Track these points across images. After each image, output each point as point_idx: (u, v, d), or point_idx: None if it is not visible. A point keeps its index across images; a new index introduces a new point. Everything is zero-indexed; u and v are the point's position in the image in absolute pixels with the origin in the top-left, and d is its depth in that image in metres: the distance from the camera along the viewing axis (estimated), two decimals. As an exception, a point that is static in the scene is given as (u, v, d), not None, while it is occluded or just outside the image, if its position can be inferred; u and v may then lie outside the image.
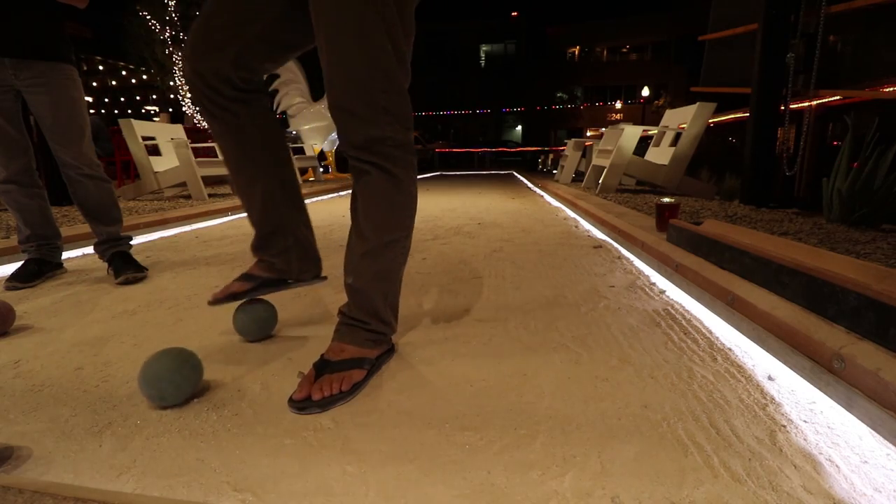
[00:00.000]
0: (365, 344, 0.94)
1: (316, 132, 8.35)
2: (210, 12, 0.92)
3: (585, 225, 3.10)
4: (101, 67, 19.37)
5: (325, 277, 1.20)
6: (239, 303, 1.11)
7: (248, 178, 1.05)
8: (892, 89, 3.46)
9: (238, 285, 1.10)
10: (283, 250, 1.10)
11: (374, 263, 0.94)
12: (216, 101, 0.95)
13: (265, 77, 1.04)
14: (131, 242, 1.85)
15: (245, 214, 1.10)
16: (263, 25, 0.93)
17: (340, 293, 1.54)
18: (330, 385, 0.85)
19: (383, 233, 0.93)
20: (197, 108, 0.97)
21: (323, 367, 0.89)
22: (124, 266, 1.72)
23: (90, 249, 2.32)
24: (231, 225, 3.25)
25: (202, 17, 0.93)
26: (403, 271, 1.00)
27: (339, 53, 0.83)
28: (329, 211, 4.01)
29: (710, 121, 4.85)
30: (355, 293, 0.96)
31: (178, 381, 0.82)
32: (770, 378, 0.92)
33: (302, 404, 0.82)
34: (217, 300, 1.08)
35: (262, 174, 1.05)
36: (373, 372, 0.94)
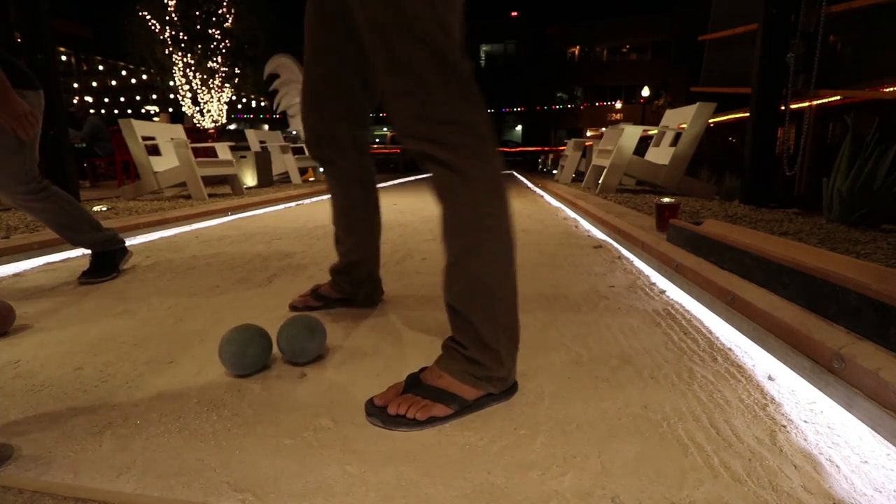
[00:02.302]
0: (462, 376, 0.80)
1: (316, 132, 8.33)
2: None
3: (585, 225, 3.10)
4: (101, 67, 19.33)
5: (382, 299, 1.43)
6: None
7: (352, 221, 1.31)
8: (892, 89, 3.47)
9: (314, 301, 1.36)
10: (357, 281, 1.35)
11: (461, 275, 0.80)
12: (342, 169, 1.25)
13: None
14: (125, 245, 1.84)
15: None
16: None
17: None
18: (408, 406, 0.77)
19: (458, 238, 0.80)
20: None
21: (413, 384, 0.82)
22: (90, 268, 1.72)
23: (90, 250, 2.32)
24: (231, 225, 3.25)
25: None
26: (512, 287, 0.82)
27: (380, 33, 0.76)
28: (328, 211, 4.01)
29: (710, 121, 4.85)
30: (450, 312, 0.83)
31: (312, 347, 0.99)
32: (770, 378, 0.92)
33: (373, 410, 0.79)
34: (295, 307, 1.35)
35: (361, 220, 1.31)
36: (465, 413, 0.80)
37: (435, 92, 0.75)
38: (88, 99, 17.77)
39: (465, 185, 0.78)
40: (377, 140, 19.95)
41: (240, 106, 18.97)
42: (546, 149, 18.63)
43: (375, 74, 0.81)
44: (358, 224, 1.31)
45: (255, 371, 0.97)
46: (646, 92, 18.73)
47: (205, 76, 14.61)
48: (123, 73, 19.51)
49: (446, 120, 0.76)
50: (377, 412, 0.78)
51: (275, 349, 1.01)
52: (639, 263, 1.92)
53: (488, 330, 0.79)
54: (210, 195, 4.58)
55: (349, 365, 1.01)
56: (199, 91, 14.71)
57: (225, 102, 15.27)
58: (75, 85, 17.47)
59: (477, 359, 0.80)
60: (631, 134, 4.31)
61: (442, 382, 0.80)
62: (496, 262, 0.80)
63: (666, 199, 2.15)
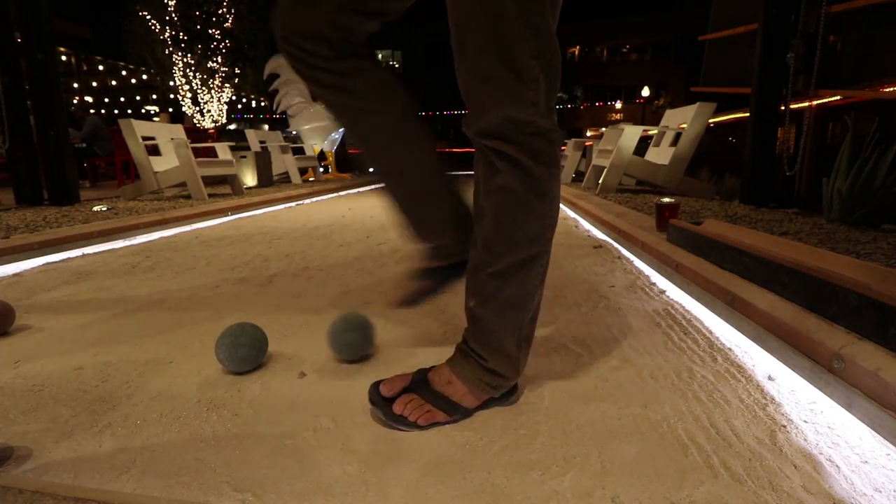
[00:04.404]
0: (478, 386, 0.77)
1: (316, 132, 8.34)
2: None
3: (585, 225, 3.10)
4: (101, 67, 19.33)
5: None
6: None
7: (381, 148, 0.91)
8: (892, 89, 3.47)
9: (426, 283, 1.00)
10: (446, 227, 0.93)
11: (504, 287, 0.75)
12: (314, 64, 0.82)
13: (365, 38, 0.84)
14: None
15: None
16: None
17: (344, 290, 1.54)
18: (413, 409, 0.75)
19: (519, 249, 0.74)
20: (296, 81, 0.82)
21: (421, 383, 0.79)
22: None
23: (90, 249, 2.32)
24: (231, 225, 3.25)
25: None
26: (541, 297, 0.79)
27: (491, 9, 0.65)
28: (328, 211, 4.01)
29: (710, 121, 4.85)
30: (477, 321, 0.78)
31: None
32: (770, 378, 0.92)
33: (376, 398, 0.77)
34: (406, 302, 1.03)
35: (396, 141, 0.89)
36: (460, 420, 0.78)
37: (526, 88, 0.68)
38: (88, 99, 17.78)
39: (537, 193, 0.73)
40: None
41: (240, 106, 18.98)
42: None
43: (459, 49, 0.70)
44: (392, 149, 0.93)
45: (252, 367, 0.97)
46: (646, 92, 18.73)
47: (205, 76, 14.61)
48: (123, 73, 19.51)
49: (532, 120, 0.70)
50: (381, 404, 0.77)
51: (271, 348, 1.01)
52: (639, 263, 1.92)
53: (513, 341, 0.77)
54: (210, 195, 4.58)
55: (349, 365, 1.00)
56: (199, 91, 14.71)
57: (225, 102, 15.27)
58: (75, 85, 17.47)
59: (495, 369, 0.77)
60: (631, 134, 4.31)
61: (450, 390, 0.78)
62: (541, 273, 0.78)
63: (666, 199, 2.15)
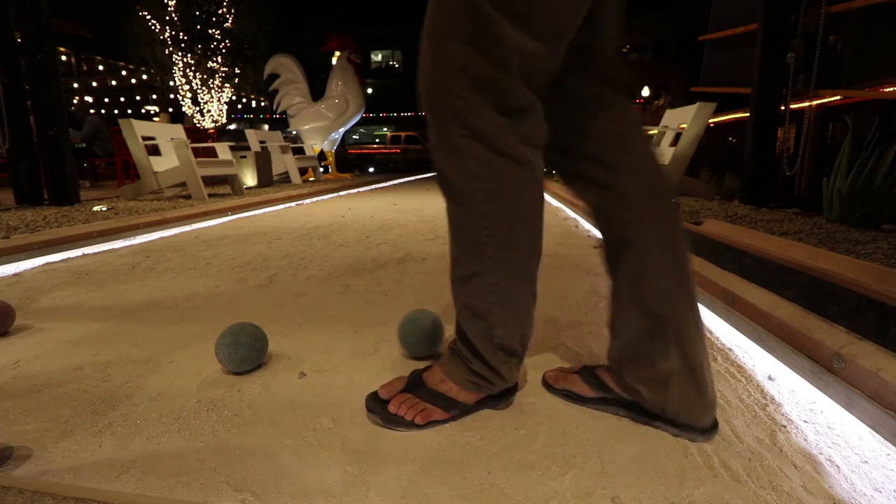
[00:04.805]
0: (465, 384, 0.78)
1: (316, 132, 8.35)
2: None
3: (585, 225, 3.10)
4: (101, 67, 19.31)
5: (715, 431, 0.73)
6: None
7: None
8: (892, 89, 3.46)
9: (585, 388, 0.83)
10: (659, 375, 0.73)
11: (460, 293, 0.76)
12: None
13: None
14: None
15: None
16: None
17: (344, 290, 1.54)
18: (409, 408, 0.76)
19: (457, 265, 0.75)
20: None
21: (416, 384, 0.81)
22: None
23: (90, 249, 2.32)
24: (231, 225, 3.25)
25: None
26: (502, 315, 0.74)
27: None
28: (328, 211, 4.01)
29: (710, 121, 4.85)
30: (457, 324, 0.79)
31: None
32: (770, 378, 0.92)
33: (373, 405, 0.78)
34: (549, 387, 0.88)
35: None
36: (461, 417, 0.79)
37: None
38: (88, 99, 17.77)
39: (449, 197, 0.73)
40: (377, 140, 19.94)
41: (240, 106, 18.97)
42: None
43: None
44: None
45: (252, 367, 0.97)
46: (646, 92, 18.74)
47: (205, 76, 14.61)
48: (123, 73, 19.50)
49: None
50: (378, 408, 0.78)
51: (271, 348, 1.01)
52: (639, 263, 1.92)
53: (487, 348, 0.76)
54: (210, 195, 4.58)
55: (349, 365, 1.00)
56: (199, 91, 14.72)
57: (225, 102, 15.27)
58: (75, 85, 17.46)
59: (478, 371, 0.78)
60: (631, 134, 4.29)
61: (444, 387, 0.79)
62: (490, 293, 0.74)
63: (666, 199, 2.15)
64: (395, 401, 0.78)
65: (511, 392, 0.83)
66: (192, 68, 14.41)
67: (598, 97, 0.75)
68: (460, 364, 0.79)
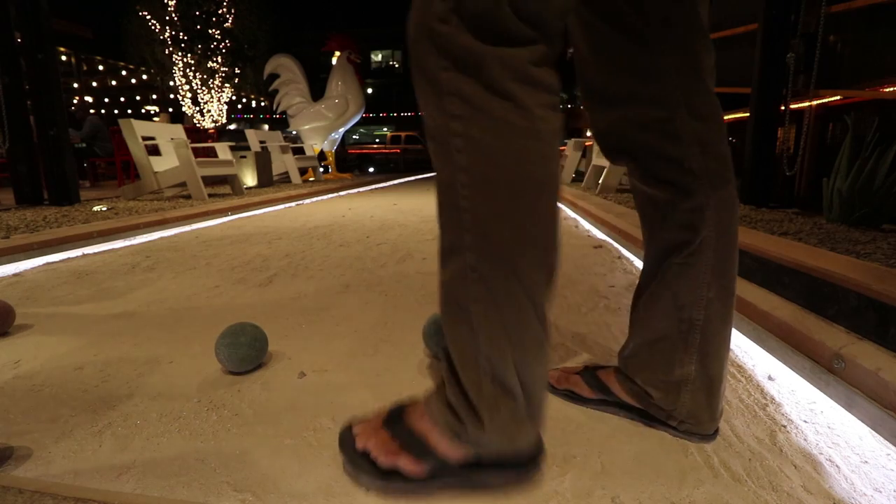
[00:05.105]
0: (442, 425, 0.60)
1: (316, 132, 8.35)
2: None
3: (585, 225, 3.10)
4: (101, 67, 19.31)
5: (716, 436, 0.72)
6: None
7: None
8: (892, 89, 3.46)
9: (586, 389, 0.80)
10: (673, 380, 0.70)
11: (442, 273, 0.58)
12: None
13: None
14: None
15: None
16: None
17: (344, 290, 1.54)
18: (376, 447, 0.62)
19: (439, 227, 0.58)
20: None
21: (393, 419, 0.66)
22: None
23: (90, 249, 2.32)
24: (231, 225, 3.25)
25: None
26: (487, 319, 0.55)
27: None
28: (328, 211, 4.01)
29: (710, 121, 4.83)
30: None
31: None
32: (770, 378, 0.92)
33: (346, 438, 0.66)
34: (551, 387, 0.84)
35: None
36: (439, 478, 0.60)
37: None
38: (88, 99, 17.77)
39: (437, 160, 0.60)
40: (377, 140, 19.95)
41: (240, 106, 18.98)
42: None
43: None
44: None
45: (252, 367, 0.97)
46: (646, 92, 18.68)
47: (205, 76, 14.62)
48: (123, 73, 19.50)
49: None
50: (347, 442, 0.66)
51: (271, 348, 1.01)
52: (639, 263, 1.92)
53: (472, 373, 0.56)
54: (210, 195, 4.58)
55: (349, 365, 1.00)
56: (199, 91, 14.72)
57: (225, 102, 15.28)
58: (75, 85, 17.47)
59: (452, 403, 0.58)
60: (631, 134, 4.30)
61: (420, 428, 0.62)
62: (475, 283, 0.57)
63: (666, 199, 2.15)
64: (364, 434, 0.65)
65: (513, 465, 0.60)
66: (192, 68, 14.42)
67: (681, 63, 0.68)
68: (439, 394, 0.61)
